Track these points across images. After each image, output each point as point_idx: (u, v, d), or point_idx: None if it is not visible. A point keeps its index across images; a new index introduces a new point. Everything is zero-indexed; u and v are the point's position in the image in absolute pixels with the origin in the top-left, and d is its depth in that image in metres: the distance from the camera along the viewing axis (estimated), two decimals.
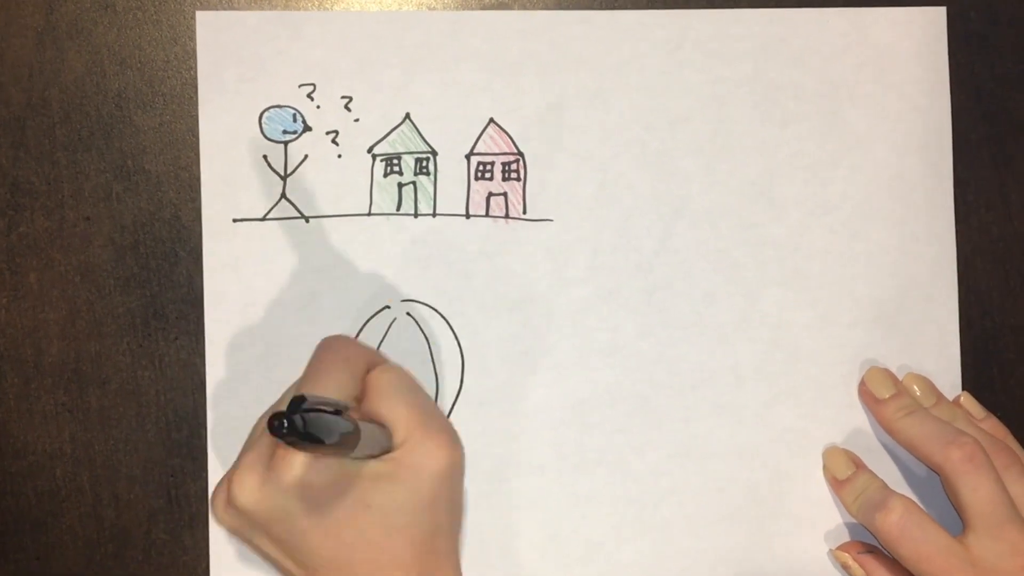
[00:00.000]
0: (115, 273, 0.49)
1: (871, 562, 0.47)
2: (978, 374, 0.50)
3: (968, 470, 0.45)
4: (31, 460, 0.49)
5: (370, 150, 0.49)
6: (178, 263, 0.49)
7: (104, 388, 0.49)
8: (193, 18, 0.49)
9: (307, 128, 0.49)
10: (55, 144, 0.49)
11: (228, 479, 0.40)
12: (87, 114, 0.49)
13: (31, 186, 0.49)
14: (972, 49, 0.51)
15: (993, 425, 0.49)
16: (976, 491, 0.45)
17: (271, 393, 0.48)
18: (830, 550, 0.49)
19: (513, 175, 0.50)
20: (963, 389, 0.50)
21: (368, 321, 0.49)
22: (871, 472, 0.48)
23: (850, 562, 0.48)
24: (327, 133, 0.49)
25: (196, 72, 0.49)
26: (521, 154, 0.50)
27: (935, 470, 0.47)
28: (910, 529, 0.45)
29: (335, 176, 0.49)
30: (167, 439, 0.49)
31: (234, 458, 0.48)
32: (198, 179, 0.49)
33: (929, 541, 0.45)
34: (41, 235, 0.49)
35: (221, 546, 0.48)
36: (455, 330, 0.49)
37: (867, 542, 0.48)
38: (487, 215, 0.50)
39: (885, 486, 0.47)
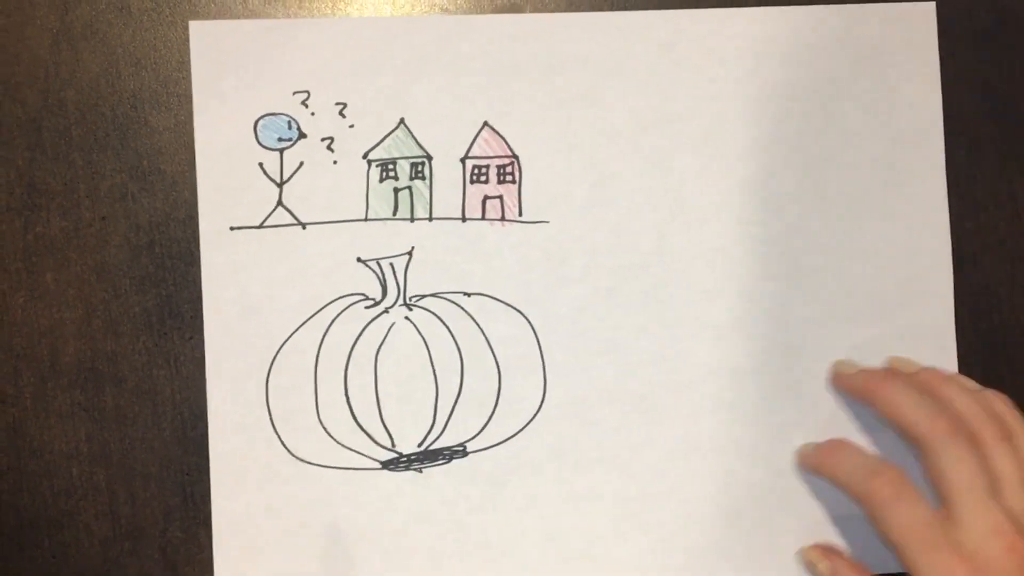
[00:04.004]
0: (131, 273, 0.49)
1: (839, 560, 0.47)
2: (987, 372, 0.50)
3: (948, 445, 0.43)
4: (47, 459, 0.49)
5: (365, 156, 0.49)
6: (193, 263, 0.49)
7: (120, 387, 0.49)
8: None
9: (302, 135, 0.49)
10: (71, 145, 0.49)
11: None
12: (103, 115, 0.49)
13: (47, 186, 0.49)
14: (980, 47, 0.51)
15: (990, 397, 0.47)
16: (958, 463, 0.43)
17: (271, 399, 0.49)
18: (799, 550, 0.49)
19: (508, 178, 0.50)
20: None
21: (368, 325, 0.49)
22: (860, 448, 0.47)
23: (816, 560, 0.48)
24: (322, 140, 0.49)
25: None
26: (516, 157, 0.50)
27: (914, 442, 0.45)
28: (903, 495, 0.44)
29: (331, 182, 0.49)
30: (182, 437, 0.49)
31: (235, 467, 0.48)
32: None
33: (917, 513, 0.43)
34: (57, 235, 0.49)
35: (225, 539, 0.49)
36: (454, 334, 0.49)
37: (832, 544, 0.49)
38: (483, 218, 0.50)
39: (878, 457, 0.46)
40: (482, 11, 0.50)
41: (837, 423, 0.50)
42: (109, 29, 0.49)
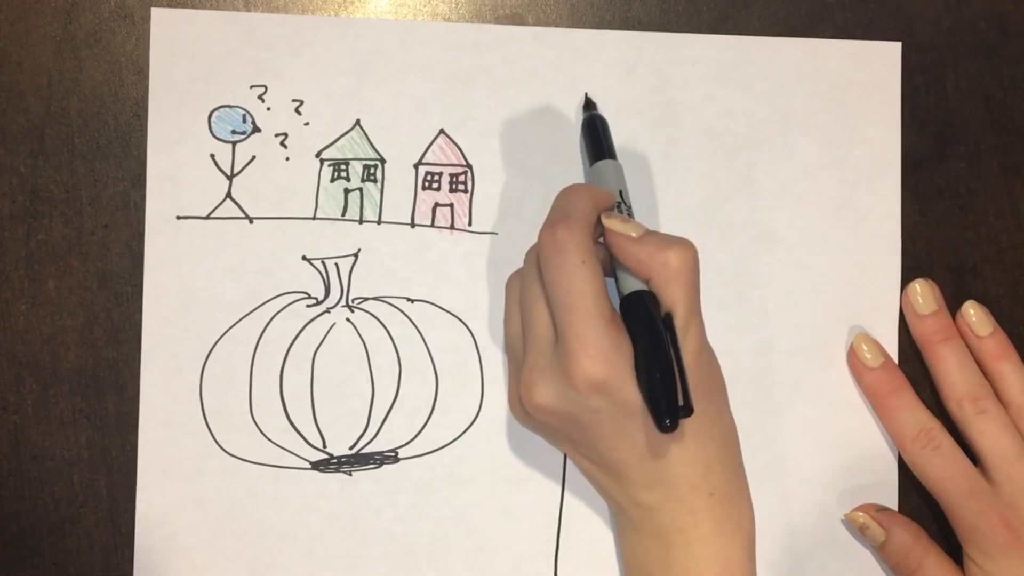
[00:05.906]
0: (132, 280, 0.49)
1: (888, 519, 0.48)
2: None
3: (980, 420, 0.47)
4: (49, 466, 0.49)
5: (318, 155, 0.49)
6: None
7: (121, 394, 0.49)
8: None
9: (256, 129, 0.49)
10: (73, 153, 0.49)
11: (525, 385, 0.43)
12: (105, 122, 0.49)
13: (50, 194, 0.49)
14: (980, 59, 0.51)
15: (998, 341, 0.49)
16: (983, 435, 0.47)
17: (205, 391, 0.48)
18: (844, 515, 0.49)
19: (460, 187, 0.50)
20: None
21: (308, 324, 0.49)
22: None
23: (868, 521, 0.48)
24: (276, 135, 0.49)
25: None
26: (469, 166, 0.50)
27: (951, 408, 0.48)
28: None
29: (281, 178, 0.49)
30: None
31: (163, 458, 0.48)
32: None
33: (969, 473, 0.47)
34: (59, 243, 0.49)
35: (147, 529, 0.48)
36: (394, 338, 0.49)
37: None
38: (432, 225, 0.50)
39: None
40: (484, 20, 0.50)
41: (774, 455, 0.49)
42: (112, 37, 0.49)
